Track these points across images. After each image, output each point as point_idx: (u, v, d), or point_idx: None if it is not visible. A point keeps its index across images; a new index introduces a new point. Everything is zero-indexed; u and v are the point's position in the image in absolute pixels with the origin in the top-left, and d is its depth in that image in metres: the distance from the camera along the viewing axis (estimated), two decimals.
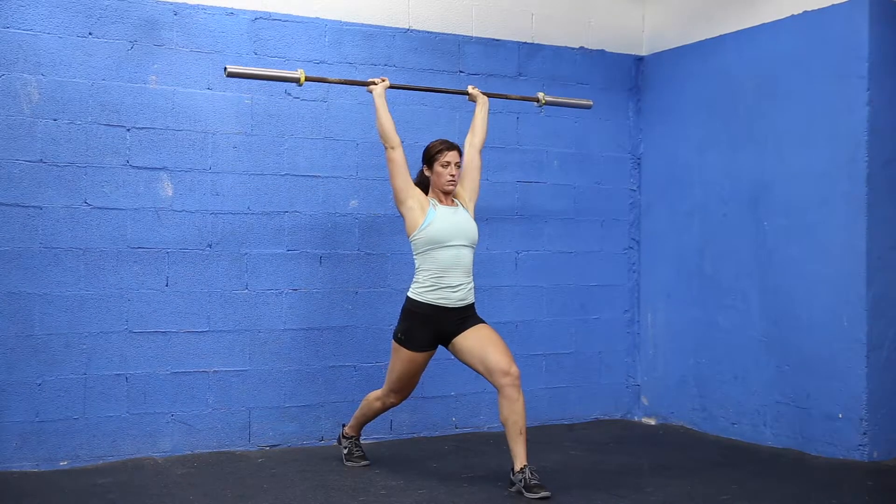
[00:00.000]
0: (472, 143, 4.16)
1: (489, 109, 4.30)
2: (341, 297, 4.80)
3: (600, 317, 5.53)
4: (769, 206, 4.80)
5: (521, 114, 5.27)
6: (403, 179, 3.90)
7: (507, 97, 4.72)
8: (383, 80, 4.08)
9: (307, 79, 4.12)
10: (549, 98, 4.63)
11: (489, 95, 4.34)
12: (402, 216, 3.97)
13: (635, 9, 5.63)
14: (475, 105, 4.28)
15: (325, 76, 4.74)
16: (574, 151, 5.46)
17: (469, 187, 4.09)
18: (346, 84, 4.37)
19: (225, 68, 4.00)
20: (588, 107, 4.90)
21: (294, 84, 4.21)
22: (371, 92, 4.06)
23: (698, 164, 5.25)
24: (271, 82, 4.62)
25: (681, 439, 5.01)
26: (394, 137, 3.92)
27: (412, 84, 4.70)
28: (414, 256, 3.95)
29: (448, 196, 4.00)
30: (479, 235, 4.07)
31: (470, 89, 4.33)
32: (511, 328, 5.16)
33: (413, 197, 3.90)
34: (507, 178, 5.22)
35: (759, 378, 4.82)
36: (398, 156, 3.90)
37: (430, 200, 3.94)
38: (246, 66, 4.55)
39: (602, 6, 5.53)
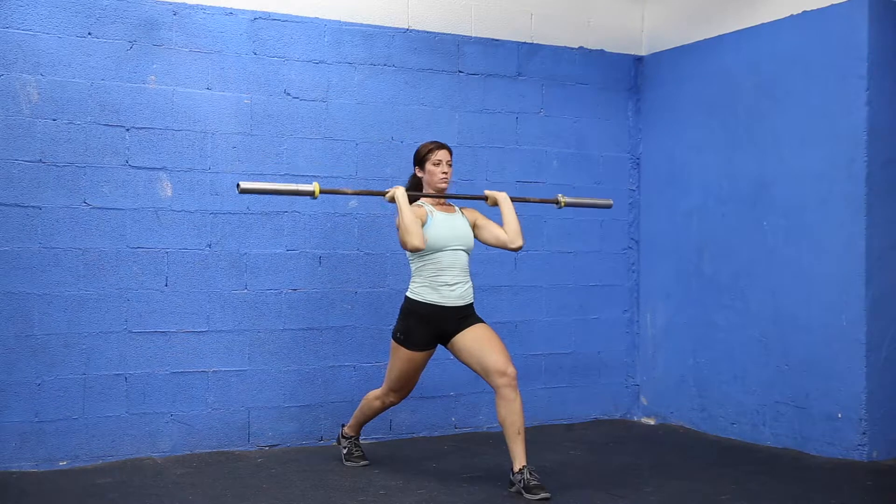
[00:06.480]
0: (501, 236, 3.99)
1: (512, 204, 4.01)
2: (341, 297, 4.80)
3: (600, 317, 5.53)
4: (768, 206, 4.80)
5: (520, 114, 5.27)
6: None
7: (526, 200, 4.43)
8: (397, 188, 3.85)
9: (322, 191, 3.86)
10: (568, 200, 4.29)
11: (513, 200, 4.06)
12: (397, 228, 3.88)
13: (635, 9, 5.63)
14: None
15: (325, 80, 4.75)
16: (573, 151, 5.45)
17: (483, 224, 4.00)
18: (362, 195, 4.24)
19: (238, 185, 3.74)
20: (608, 206, 4.53)
21: (309, 197, 3.88)
22: (392, 200, 3.83)
23: (697, 164, 5.25)
24: (270, 82, 4.63)
25: (680, 439, 5.01)
26: (423, 240, 3.75)
27: (410, 77, 4.67)
28: (410, 263, 3.94)
29: (443, 199, 3.99)
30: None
31: (486, 192, 4.07)
32: (511, 328, 5.16)
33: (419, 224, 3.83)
34: (507, 178, 5.21)
35: (759, 378, 4.82)
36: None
37: (427, 208, 3.93)
38: (248, 85, 4.56)
39: (602, 6, 5.53)
